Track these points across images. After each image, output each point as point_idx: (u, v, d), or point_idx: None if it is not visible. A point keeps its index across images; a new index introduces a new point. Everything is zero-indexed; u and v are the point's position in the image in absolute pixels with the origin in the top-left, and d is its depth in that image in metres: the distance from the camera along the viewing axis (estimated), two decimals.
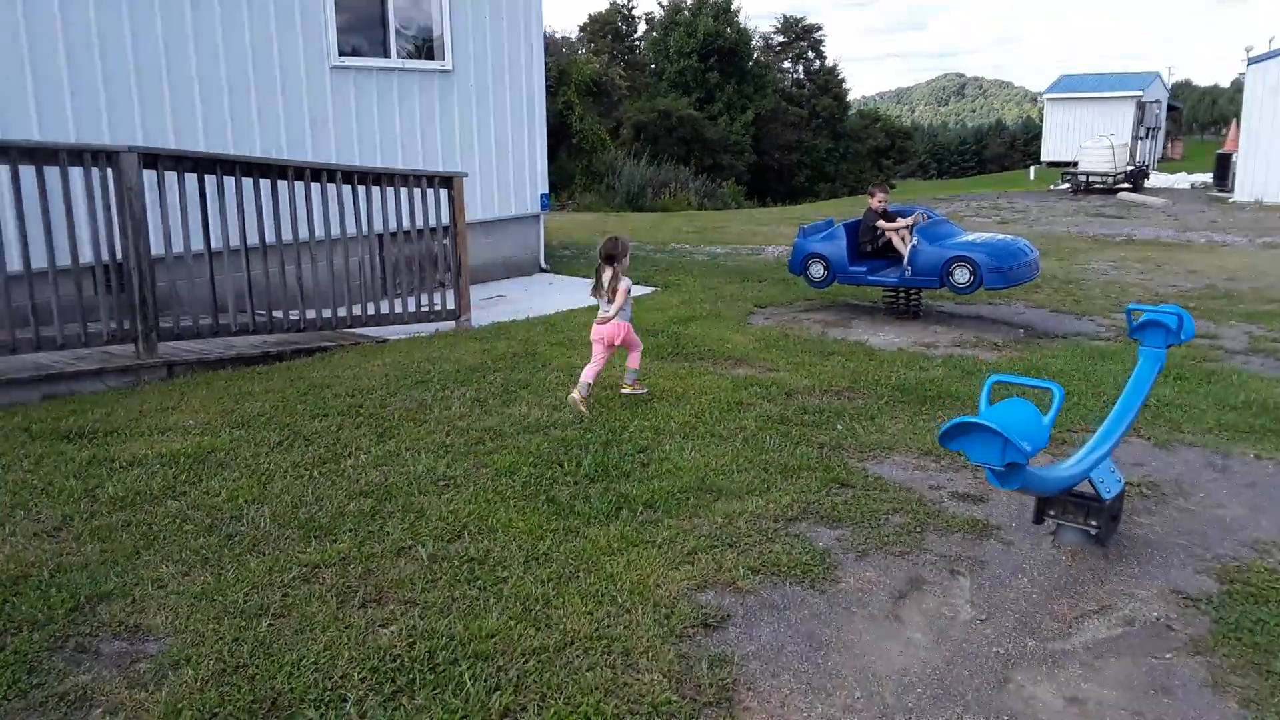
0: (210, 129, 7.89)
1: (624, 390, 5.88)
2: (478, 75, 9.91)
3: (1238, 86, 75.23)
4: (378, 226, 7.43)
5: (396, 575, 3.40)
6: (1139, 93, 37.90)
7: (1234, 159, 22.69)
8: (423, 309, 7.79)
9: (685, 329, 7.93)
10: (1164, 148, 42.10)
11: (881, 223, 8.27)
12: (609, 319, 5.64)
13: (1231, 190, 21.94)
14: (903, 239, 8.15)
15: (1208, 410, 5.70)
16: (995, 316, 8.78)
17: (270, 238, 6.89)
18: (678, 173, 39.84)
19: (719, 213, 27.64)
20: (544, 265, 11.15)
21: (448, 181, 7.83)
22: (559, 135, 45.39)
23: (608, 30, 61.22)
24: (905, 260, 7.96)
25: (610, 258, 5.73)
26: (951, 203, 24.41)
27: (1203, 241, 15.09)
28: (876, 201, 8.39)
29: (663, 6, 58.50)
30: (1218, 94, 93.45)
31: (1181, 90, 79.16)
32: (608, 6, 61.73)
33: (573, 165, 44.12)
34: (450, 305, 8.01)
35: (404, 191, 7.56)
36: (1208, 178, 26.96)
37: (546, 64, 40.21)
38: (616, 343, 5.74)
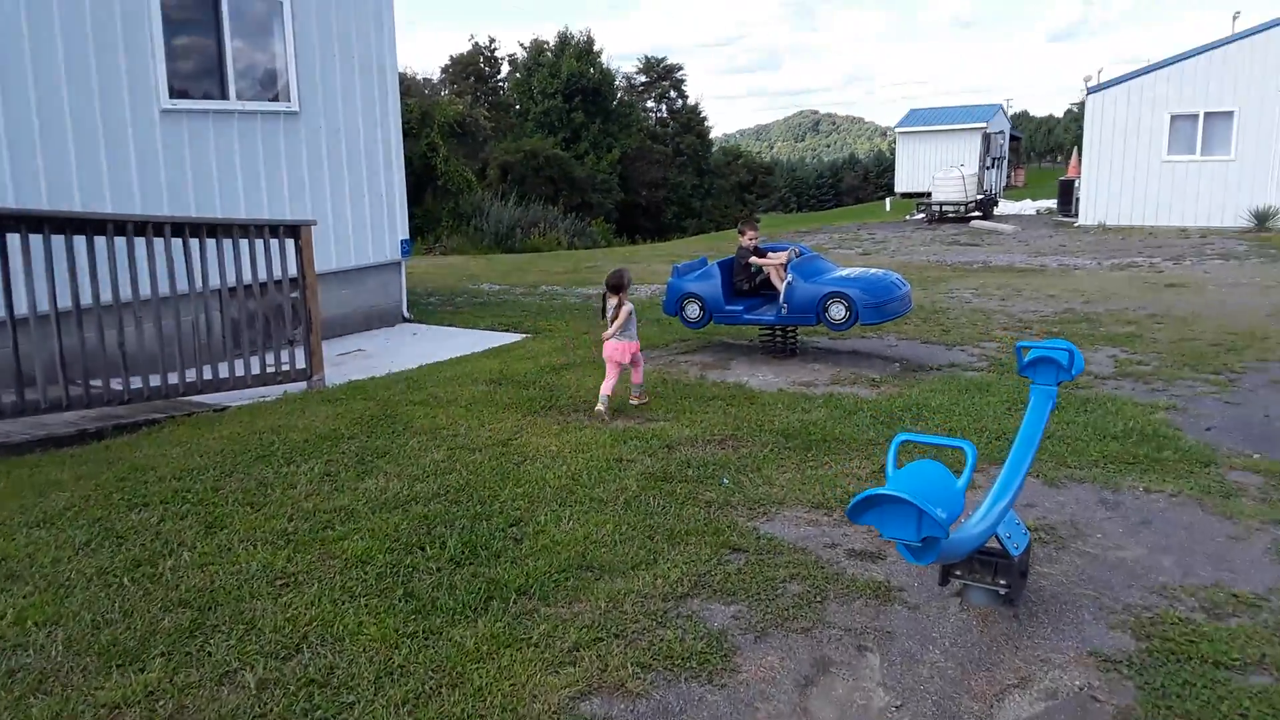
0: (21, 183, 7.06)
1: (631, 401, 6.66)
2: (328, 117, 9.32)
3: (1071, 116, 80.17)
4: (214, 282, 6.75)
5: (216, 712, 2.83)
6: (984, 124, 39.88)
7: (1076, 185, 23.91)
8: (269, 370, 7.13)
9: (559, 378, 7.51)
10: (1008, 176, 44.37)
11: (756, 259, 8.07)
12: (609, 338, 6.52)
13: (1076, 215, 23.08)
14: (779, 275, 7.98)
15: (1089, 441, 5.64)
16: (870, 351, 8.70)
17: (87, 299, 6.13)
18: (546, 212, 39.58)
19: (589, 251, 27.42)
20: (407, 315, 10.55)
21: (294, 231, 7.22)
22: (424, 178, 44.54)
23: (470, 72, 60.78)
24: (781, 298, 7.77)
25: (615, 288, 6.66)
26: (815, 235, 24.87)
27: (1055, 266, 15.67)
28: (747, 239, 8.20)
29: (525, 48, 58.57)
30: (1052, 124, 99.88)
31: (1020, 121, 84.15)
32: (469, 48, 61.43)
33: (439, 208, 43.32)
34: (301, 364, 7.36)
35: (244, 243, 6.91)
36: (1052, 204, 28.38)
37: (408, 105, 39.51)
38: (625, 360, 6.55)
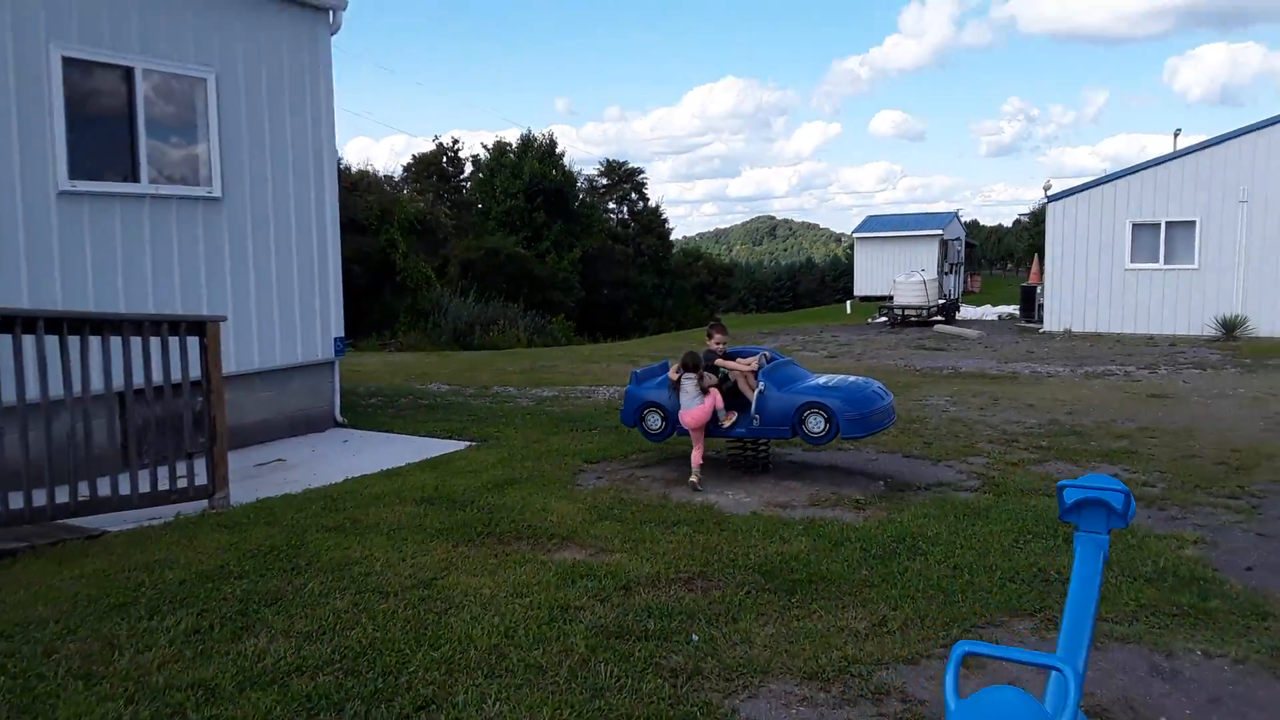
0: None
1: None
2: (255, 203, 8.52)
3: (1021, 226, 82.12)
4: (96, 385, 5.80)
5: None
6: (940, 230, 40.29)
7: (1038, 291, 23.75)
8: (162, 488, 6.12)
9: (501, 497, 6.58)
10: (965, 281, 44.73)
11: (725, 362, 7.27)
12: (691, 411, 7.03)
13: (1039, 321, 22.82)
14: (749, 383, 7.18)
15: (1121, 586, 4.80)
16: (849, 465, 7.88)
17: None
18: (506, 309, 38.94)
19: (548, 350, 26.66)
20: (340, 419, 9.59)
21: (199, 327, 6.31)
22: (382, 273, 43.92)
23: (433, 170, 60.92)
24: (752, 408, 6.96)
25: (687, 367, 7.09)
26: (779, 337, 24.37)
27: (1027, 373, 15.13)
28: (715, 343, 7.44)
29: (488, 149, 58.90)
30: (1002, 233, 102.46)
31: (971, 230, 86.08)
32: (433, 148, 61.69)
33: (397, 304, 42.57)
34: (202, 479, 6.37)
35: (137, 341, 5.99)
36: (1013, 309, 28.28)
37: (368, 202, 38.88)
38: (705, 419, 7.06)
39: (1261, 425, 9.71)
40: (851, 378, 7.24)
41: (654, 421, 7.35)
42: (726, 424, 7.09)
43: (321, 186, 9.11)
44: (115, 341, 5.88)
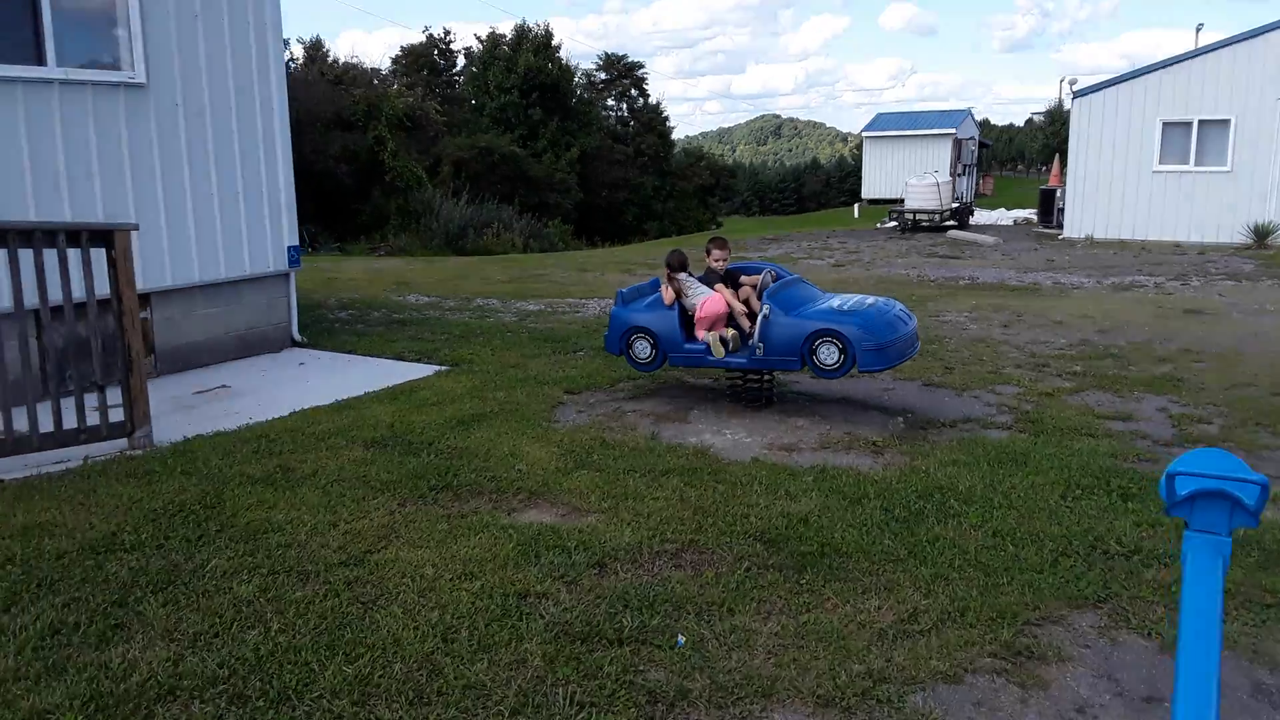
0: None
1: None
2: (188, 91, 7.43)
3: (1036, 125, 79.80)
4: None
5: None
6: (953, 130, 38.65)
7: (1058, 195, 22.56)
8: (68, 427, 5.26)
9: (465, 437, 5.72)
10: (978, 184, 43.23)
11: (722, 292, 6.31)
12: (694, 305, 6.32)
13: (1059, 227, 21.70)
14: (748, 310, 6.26)
15: None
16: (863, 398, 7.00)
17: None
18: (500, 212, 37.60)
19: (542, 256, 25.64)
20: (298, 338, 8.68)
21: (105, 237, 5.35)
22: (371, 173, 42.44)
23: (423, 64, 58.53)
24: (755, 335, 6.04)
25: (673, 267, 6.47)
26: (782, 243, 23.29)
27: (1049, 284, 14.16)
28: (714, 260, 6.47)
29: (481, 41, 56.46)
30: (1014, 133, 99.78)
31: (983, 129, 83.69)
32: (424, 39, 59.17)
33: (387, 204, 41.25)
34: (119, 415, 5.50)
35: (28, 255, 5.04)
36: (1029, 213, 27.09)
37: (353, 97, 37.28)
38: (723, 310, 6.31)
39: None
40: (870, 299, 6.29)
41: (642, 349, 6.45)
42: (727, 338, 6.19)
43: (266, 71, 7.98)
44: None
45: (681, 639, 3.28)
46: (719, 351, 6.14)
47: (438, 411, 6.31)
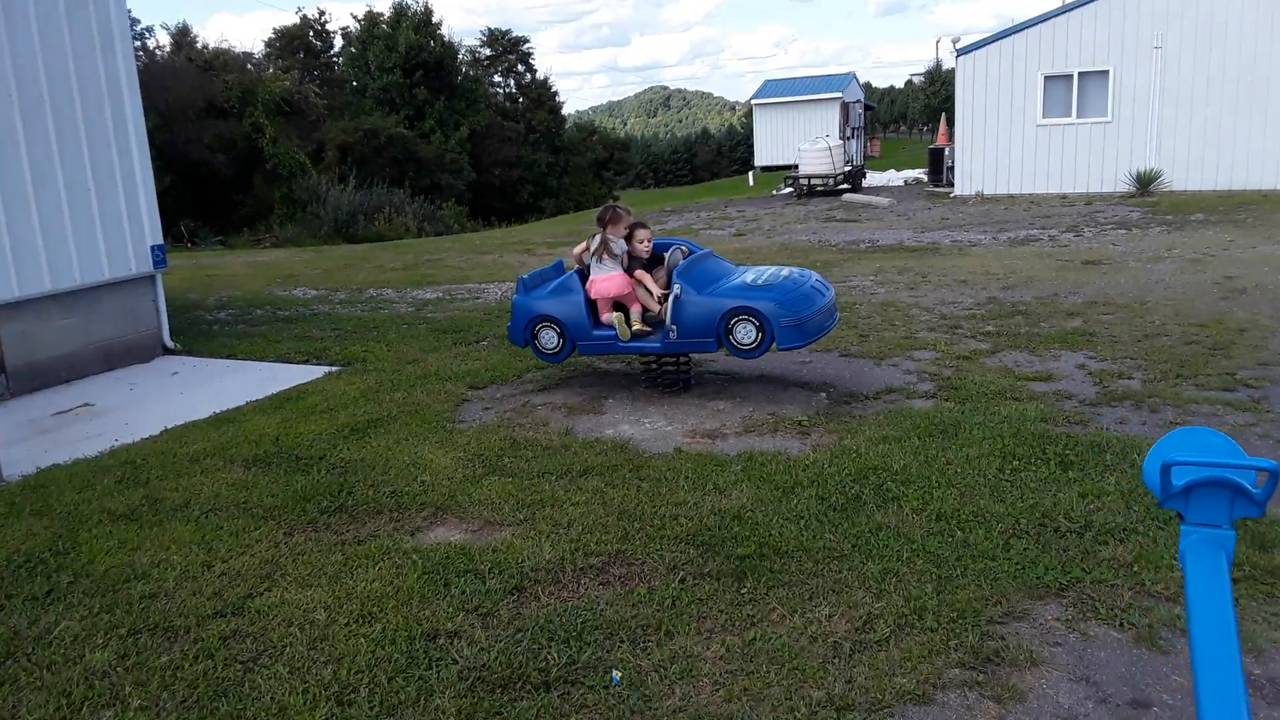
0: None
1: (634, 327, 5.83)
2: (21, 81, 6.61)
3: (916, 86, 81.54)
4: None
5: None
6: (839, 94, 38.96)
7: (947, 153, 22.82)
8: None
9: (361, 447, 5.20)
10: (865, 146, 43.76)
11: (641, 279, 5.87)
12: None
13: (950, 185, 21.95)
14: (656, 296, 5.86)
15: (1162, 536, 3.76)
16: (782, 373, 6.71)
17: None
18: (391, 196, 36.35)
19: (437, 240, 24.79)
20: (170, 344, 7.95)
21: None
22: (250, 161, 40.62)
23: (299, 46, 56.12)
24: (667, 317, 5.65)
25: (600, 221, 5.92)
26: (682, 214, 23.02)
27: (948, 243, 14.19)
28: (641, 243, 6.01)
29: (358, 20, 54.43)
30: (895, 95, 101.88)
31: (865, 92, 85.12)
32: (298, 20, 56.71)
33: (271, 194, 39.53)
34: None
35: None
36: (919, 173, 27.41)
37: (226, 83, 35.47)
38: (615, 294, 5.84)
39: (1216, 293, 8.91)
40: (785, 270, 5.97)
41: (549, 339, 6.00)
42: (631, 328, 5.81)
43: (113, 56, 7.19)
44: None
45: (617, 675, 2.90)
46: (624, 333, 5.75)
47: (329, 419, 5.77)
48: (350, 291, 12.05)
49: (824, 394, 6.11)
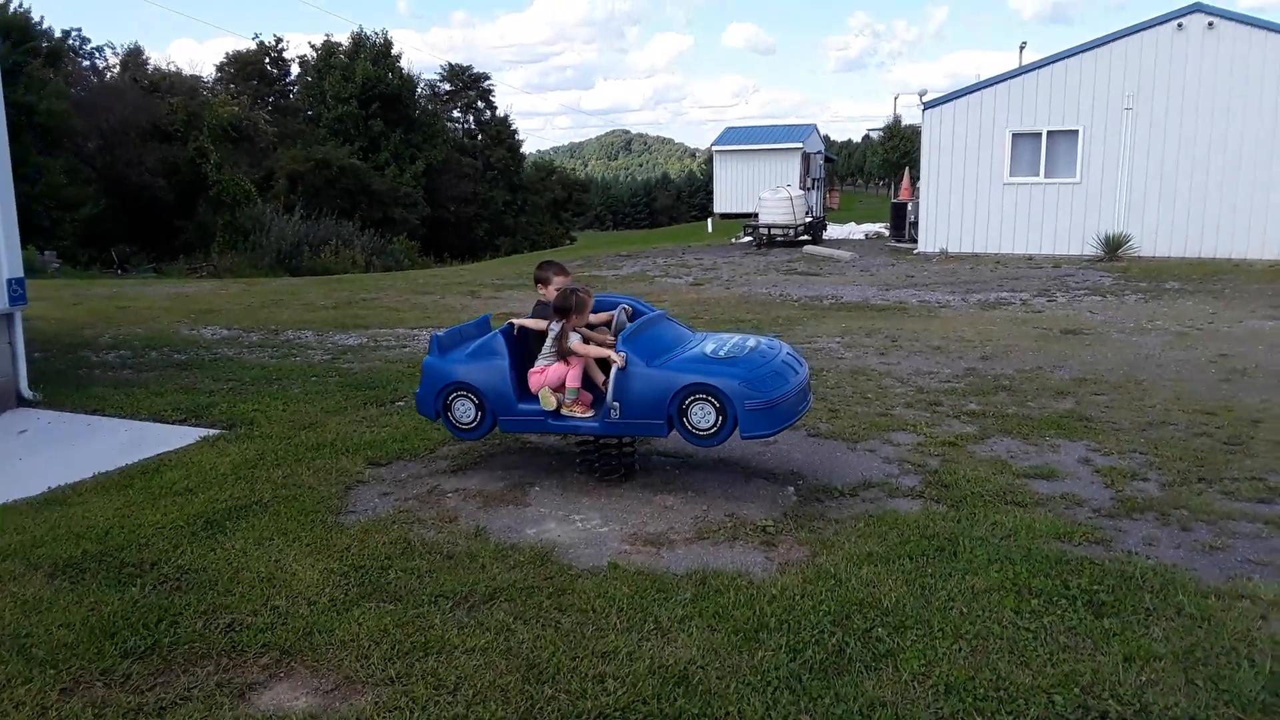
0: None
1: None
2: None
3: (875, 141, 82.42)
4: None
5: None
6: (800, 144, 38.65)
7: (909, 208, 22.28)
8: None
9: (210, 550, 4.10)
10: (825, 198, 43.48)
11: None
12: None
13: (912, 240, 21.37)
14: (598, 359, 4.87)
15: None
16: (743, 458, 5.72)
17: None
18: (339, 228, 35.12)
19: (381, 276, 23.65)
20: (28, 394, 6.76)
21: None
22: (193, 187, 39.23)
23: (253, 72, 54.93)
24: (609, 393, 4.65)
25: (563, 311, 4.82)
26: (637, 259, 22.17)
27: (915, 302, 13.43)
28: (549, 291, 5.05)
29: (316, 49, 53.40)
30: (853, 148, 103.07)
31: (825, 145, 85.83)
32: (254, 46, 55.52)
33: (213, 221, 38.13)
34: None
35: None
36: (880, 227, 26.93)
37: (170, 105, 34.18)
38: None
39: (1214, 374, 8.14)
40: (752, 340, 5.00)
41: (465, 411, 4.96)
42: (576, 412, 4.81)
43: None
44: None
45: None
46: (548, 402, 4.74)
47: (183, 504, 4.65)
48: (265, 333, 10.90)
49: (791, 488, 5.14)
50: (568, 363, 4.80)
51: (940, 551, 4.18)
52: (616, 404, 4.64)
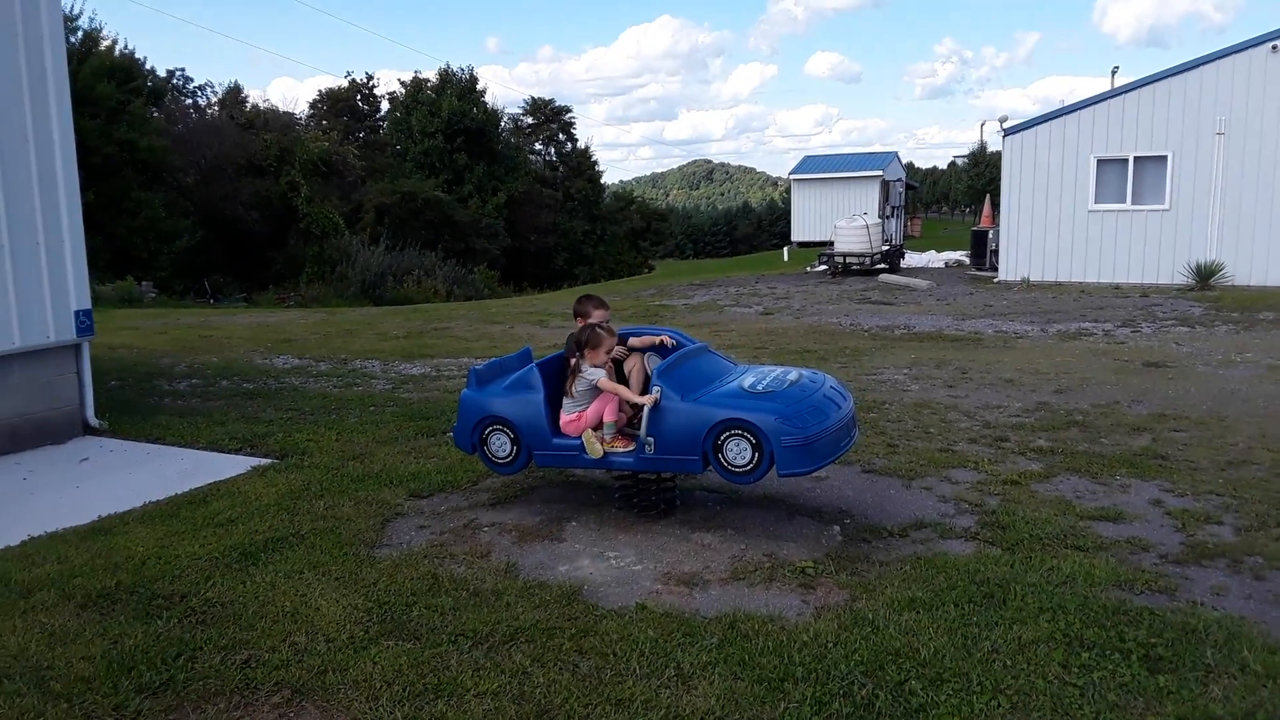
0: None
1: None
2: None
3: (960, 168, 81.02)
4: None
5: None
6: (880, 171, 38.16)
7: (991, 236, 21.71)
8: None
9: (240, 582, 4.12)
10: (905, 226, 42.77)
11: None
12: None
13: (993, 269, 20.80)
14: (633, 384, 4.79)
15: None
16: (790, 494, 5.55)
17: None
18: (423, 258, 35.92)
19: (456, 305, 24.02)
20: (94, 423, 6.98)
21: None
22: (285, 220, 40.62)
23: (343, 108, 56.85)
24: (643, 429, 4.55)
25: (577, 344, 4.77)
26: (710, 289, 22.05)
27: (991, 333, 13.01)
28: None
29: (404, 85, 55.00)
30: (937, 175, 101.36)
31: (907, 172, 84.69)
32: (346, 84, 57.49)
33: (303, 252, 39.39)
34: None
35: None
36: (960, 255, 26.30)
37: (265, 141, 35.54)
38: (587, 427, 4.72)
39: None
40: (793, 373, 4.85)
41: (500, 445, 4.92)
42: (616, 447, 4.72)
43: (44, 98, 6.36)
44: None
45: None
46: (595, 451, 4.66)
47: (223, 535, 4.70)
48: (335, 362, 11.10)
49: (837, 526, 4.95)
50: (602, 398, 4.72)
51: (989, 599, 3.95)
52: (651, 439, 4.53)
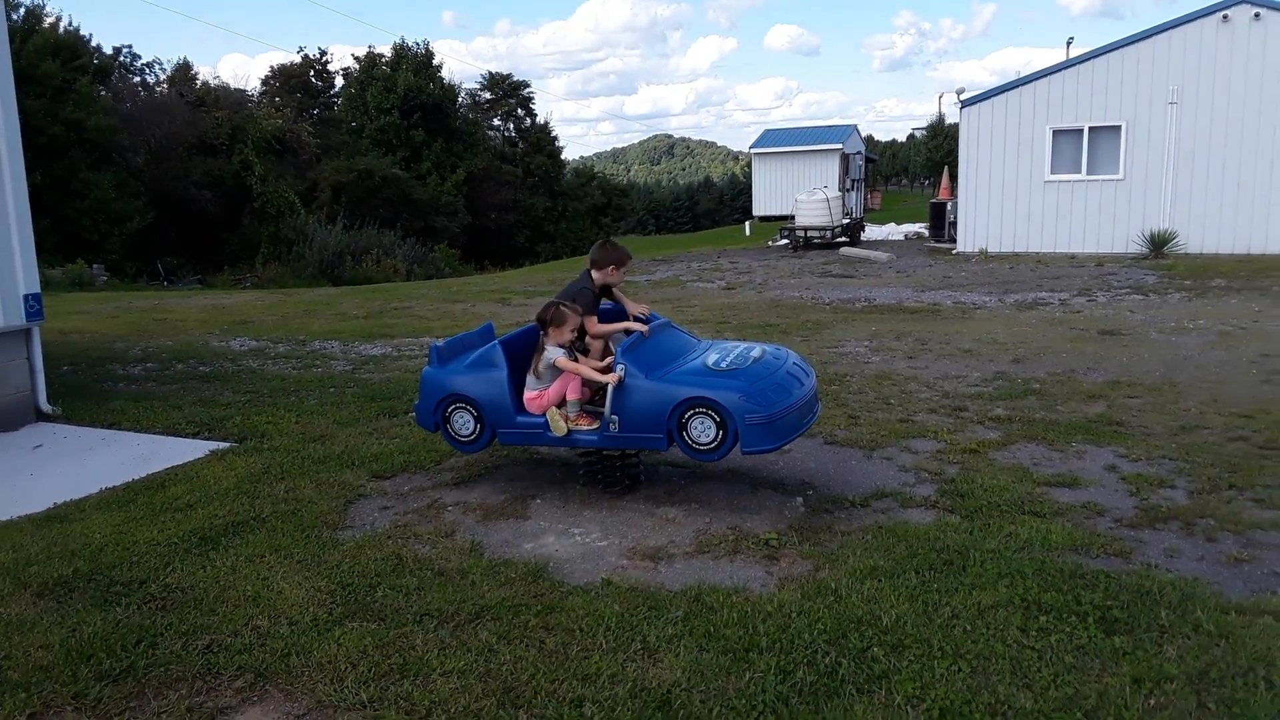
0: None
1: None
2: None
3: (919, 140, 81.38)
4: None
5: None
6: (840, 145, 38.26)
7: (949, 208, 21.90)
8: None
9: (200, 568, 4.07)
10: (865, 199, 42.97)
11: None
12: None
13: (951, 241, 20.99)
14: (591, 362, 4.79)
15: None
16: (754, 467, 5.58)
17: None
18: (381, 237, 35.48)
19: (417, 285, 23.76)
20: (47, 409, 6.83)
21: None
22: (238, 199, 39.89)
23: (296, 85, 55.78)
24: (608, 406, 4.55)
25: (541, 323, 4.80)
26: (672, 264, 22.02)
27: (950, 304, 13.15)
28: (604, 274, 4.99)
29: (359, 60, 54.09)
30: (897, 148, 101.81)
31: (867, 145, 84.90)
32: (299, 60, 56.43)
33: (258, 232, 38.74)
34: None
35: None
36: (920, 228, 26.51)
37: (215, 119, 34.78)
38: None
39: (1255, 375, 7.83)
40: (756, 349, 4.87)
41: (463, 423, 4.89)
42: (580, 424, 4.72)
43: None
44: None
45: None
46: (559, 428, 4.66)
47: (181, 520, 4.64)
48: (293, 344, 10.96)
49: (800, 498, 4.99)
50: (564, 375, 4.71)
51: (948, 565, 4.01)
52: (615, 416, 4.53)
